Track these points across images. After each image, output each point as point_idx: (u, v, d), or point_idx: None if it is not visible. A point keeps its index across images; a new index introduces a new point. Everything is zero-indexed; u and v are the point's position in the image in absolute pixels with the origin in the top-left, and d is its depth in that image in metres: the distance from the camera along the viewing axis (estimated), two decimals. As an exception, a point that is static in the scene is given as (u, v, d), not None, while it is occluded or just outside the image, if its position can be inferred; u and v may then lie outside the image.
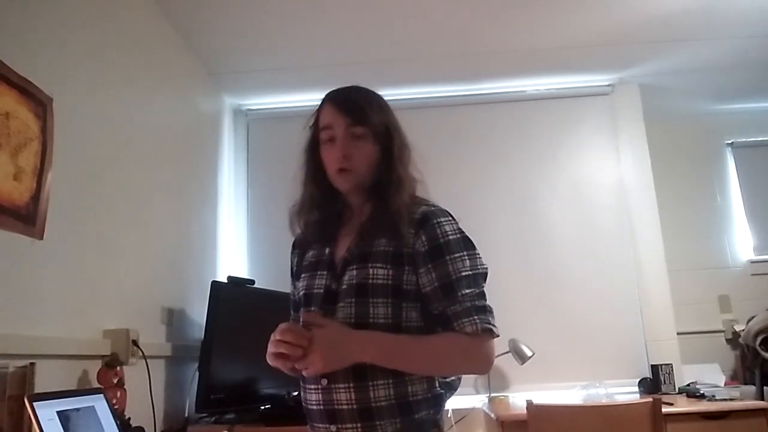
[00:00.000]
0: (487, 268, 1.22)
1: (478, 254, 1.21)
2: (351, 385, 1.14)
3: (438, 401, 1.20)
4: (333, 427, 1.15)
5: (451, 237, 1.19)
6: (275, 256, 3.30)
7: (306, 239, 1.35)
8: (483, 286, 1.20)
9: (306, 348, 1.09)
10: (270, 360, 1.15)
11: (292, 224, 1.35)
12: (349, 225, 1.30)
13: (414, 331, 1.17)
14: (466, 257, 1.19)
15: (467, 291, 1.16)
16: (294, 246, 1.41)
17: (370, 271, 1.18)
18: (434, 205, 1.25)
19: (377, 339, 1.14)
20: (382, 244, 1.20)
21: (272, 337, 1.13)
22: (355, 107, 1.25)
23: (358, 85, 1.32)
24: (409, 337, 1.16)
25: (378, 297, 1.16)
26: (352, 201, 1.31)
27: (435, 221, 1.20)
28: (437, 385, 1.20)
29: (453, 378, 1.22)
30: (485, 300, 1.18)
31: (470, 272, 1.18)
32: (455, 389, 1.23)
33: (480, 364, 1.18)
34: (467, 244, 1.21)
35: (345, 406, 1.14)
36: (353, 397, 1.13)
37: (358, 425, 1.13)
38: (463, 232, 1.22)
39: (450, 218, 1.23)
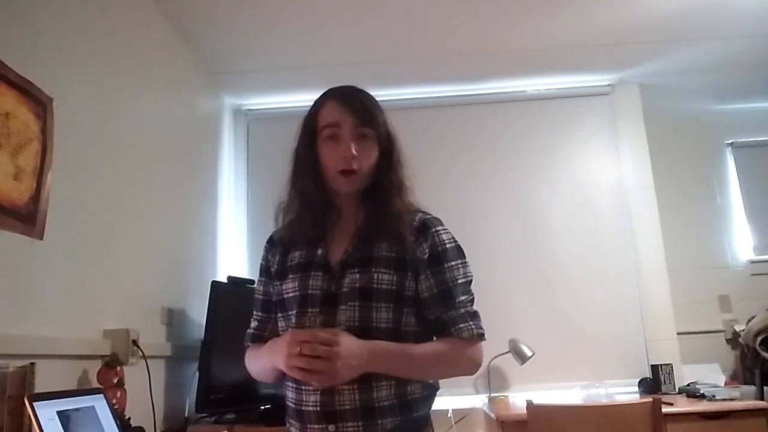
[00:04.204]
0: (472, 275, 1.29)
1: (468, 263, 1.29)
2: (355, 386, 1.14)
3: (430, 400, 1.26)
4: (332, 427, 1.15)
5: (448, 245, 1.26)
6: (275, 256, 3.38)
7: (290, 238, 1.31)
8: (473, 293, 1.28)
9: (329, 362, 1.06)
10: (288, 370, 1.11)
11: (277, 220, 1.33)
12: (339, 227, 1.28)
13: (412, 335, 1.21)
14: (461, 265, 1.26)
15: (463, 298, 1.24)
16: (272, 243, 1.36)
17: (375, 275, 1.19)
18: (428, 213, 1.30)
19: (389, 352, 1.15)
20: (384, 249, 1.22)
21: (291, 348, 1.08)
22: (364, 108, 1.25)
23: (355, 86, 1.30)
24: (414, 346, 1.19)
25: (381, 301, 1.18)
26: (343, 203, 1.29)
27: (434, 230, 1.26)
28: (429, 384, 1.26)
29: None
30: (474, 306, 1.27)
31: (464, 279, 1.25)
32: (438, 389, 1.30)
33: (472, 366, 1.25)
34: (461, 252, 1.28)
35: (348, 406, 1.14)
36: (357, 397, 1.14)
37: (360, 423, 1.14)
38: (457, 240, 1.29)
39: (445, 227, 1.29)
